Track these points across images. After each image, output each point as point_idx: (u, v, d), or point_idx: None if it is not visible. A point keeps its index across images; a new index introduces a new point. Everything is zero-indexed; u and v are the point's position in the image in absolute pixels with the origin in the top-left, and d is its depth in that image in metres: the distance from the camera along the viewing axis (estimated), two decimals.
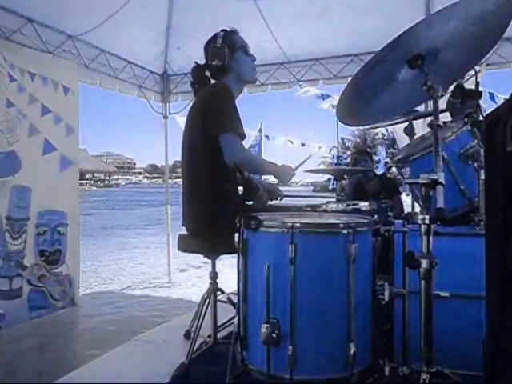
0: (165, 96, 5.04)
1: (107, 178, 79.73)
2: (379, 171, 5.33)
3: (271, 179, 2.29)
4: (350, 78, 1.68)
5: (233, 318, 1.92)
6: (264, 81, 4.61)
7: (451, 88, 1.96)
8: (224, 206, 1.91)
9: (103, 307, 3.88)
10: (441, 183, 1.39)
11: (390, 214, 1.91)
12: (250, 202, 1.93)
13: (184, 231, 2.22)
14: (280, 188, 2.30)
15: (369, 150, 5.98)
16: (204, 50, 2.24)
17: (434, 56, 1.54)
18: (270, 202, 2.16)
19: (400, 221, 1.76)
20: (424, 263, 1.40)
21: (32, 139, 3.37)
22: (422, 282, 1.40)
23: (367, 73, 1.60)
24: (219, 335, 2.36)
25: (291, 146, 9.38)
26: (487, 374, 1.13)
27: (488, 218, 1.15)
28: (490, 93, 4.84)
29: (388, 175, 4.00)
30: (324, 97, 5.94)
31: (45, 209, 3.44)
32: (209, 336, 2.34)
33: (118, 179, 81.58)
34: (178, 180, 2.25)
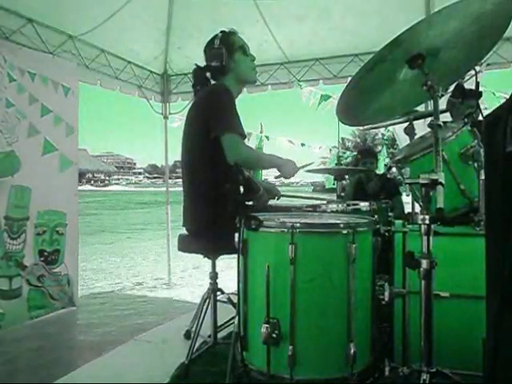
0: (165, 96, 5.05)
1: (107, 178, 79.78)
2: (379, 171, 5.34)
3: (272, 176, 2.29)
4: (350, 78, 1.68)
5: (233, 318, 1.92)
6: (264, 81, 4.61)
7: (451, 88, 1.96)
8: (224, 206, 1.91)
9: (102, 307, 3.88)
10: (441, 183, 1.39)
11: (390, 214, 1.91)
12: (250, 202, 1.94)
13: (184, 231, 2.22)
14: (278, 188, 2.31)
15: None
16: (204, 51, 2.25)
17: (435, 56, 1.54)
18: (268, 202, 2.17)
19: (400, 221, 1.76)
20: (424, 263, 1.40)
21: (32, 139, 3.37)
22: (422, 282, 1.40)
23: (367, 73, 1.60)
24: (219, 335, 2.36)
25: (291, 147, 9.37)
26: (487, 373, 1.13)
27: (488, 218, 1.15)
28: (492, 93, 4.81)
29: (388, 175, 4.01)
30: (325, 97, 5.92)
31: (44, 209, 3.44)
32: (209, 336, 2.34)
33: (118, 179, 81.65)
34: (178, 180, 2.25)
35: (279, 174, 2.16)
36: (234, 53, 2.19)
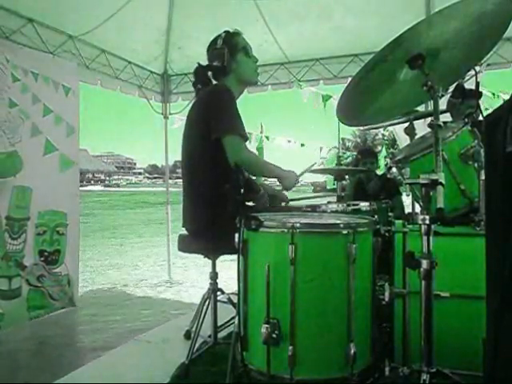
0: (165, 96, 5.05)
1: (107, 178, 79.85)
2: (380, 171, 5.33)
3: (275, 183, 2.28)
4: (350, 78, 1.68)
5: (233, 318, 1.92)
6: (264, 81, 4.61)
7: (451, 88, 1.96)
8: (224, 206, 1.91)
9: (102, 307, 3.88)
10: (441, 183, 1.39)
11: (390, 214, 1.91)
12: (251, 203, 1.94)
13: (184, 231, 2.22)
14: (285, 193, 2.29)
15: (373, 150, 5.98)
16: (206, 51, 2.25)
17: (435, 56, 1.54)
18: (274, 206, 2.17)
19: (400, 221, 1.76)
20: (424, 263, 1.40)
21: (34, 139, 3.37)
22: (423, 282, 1.40)
23: (367, 73, 1.60)
24: (219, 335, 2.36)
25: (291, 147, 9.38)
26: (487, 373, 1.13)
27: (488, 218, 1.15)
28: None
29: (388, 175, 4.01)
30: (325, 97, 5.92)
31: (45, 209, 3.44)
32: (209, 336, 2.34)
33: (118, 179, 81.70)
34: (179, 180, 2.25)
35: (280, 185, 2.16)
36: (236, 54, 2.19)
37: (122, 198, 30.52)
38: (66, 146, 3.64)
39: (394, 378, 1.51)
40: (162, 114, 5.11)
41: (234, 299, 1.87)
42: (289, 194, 2.36)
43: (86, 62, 3.96)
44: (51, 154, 3.51)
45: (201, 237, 2.10)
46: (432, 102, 1.55)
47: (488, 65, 3.67)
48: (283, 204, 2.31)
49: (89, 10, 3.57)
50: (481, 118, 1.82)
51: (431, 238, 1.41)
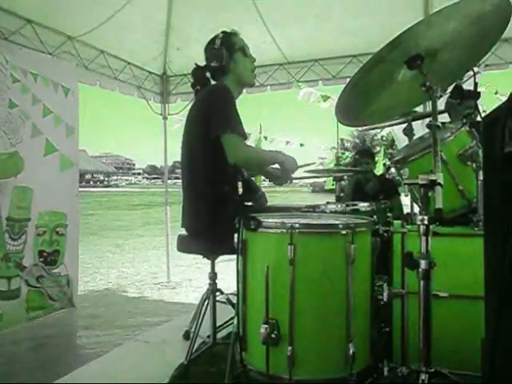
0: (164, 97, 5.05)
1: (106, 178, 79.81)
2: (378, 172, 5.34)
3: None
4: (349, 79, 1.69)
5: (232, 318, 1.93)
6: (263, 82, 4.61)
7: (450, 89, 1.97)
8: (223, 206, 1.91)
9: (102, 308, 3.88)
10: (439, 184, 1.39)
11: (388, 214, 1.92)
12: (250, 203, 1.94)
13: (183, 232, 2.22)
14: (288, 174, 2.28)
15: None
16: (204, 51, 2.26)
17: (433, 56, 1.55)
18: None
19: (399, 221, 1.76)
20: (423, 263, 1.40)
21: (35, 140, 3.37)
22: (421, 282, 1.41)
23: (366, 73, 1.60)
24: (218, 336, 2.36)
25: (290, 147, 9.40)
26: (486, 373, 1.14)
27: (487, 218, 1.16)
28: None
29: (387, 176, 4.01)
30: (324, 98, 5.92)
31: (45, 209, 3.43)
32: (208, 336, 2.34)
33: (117, 180, 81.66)
34: (177, 181, 2.25)
35: (280, 169, 2.16)
36: (234, 53, 2.19)
37: (121, 198, 30.51)
38: (66, 146, 3.64)
39: (393, 378, 1.52)
40: (161, 114, 5.10)
41: (233, 299, 1.87)
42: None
43: (85, 63, 3.95)
44: (51, 154, 3.51)
45: (200, 237, 2.10)
46: (430, 102, 1.55)
47: (486, 66, 3.68)
48: (288, 182, 2.32)
49: (88, 10, 3.56)
50: (479, 118, 1.83)
51: (430, 238, 1.42)
